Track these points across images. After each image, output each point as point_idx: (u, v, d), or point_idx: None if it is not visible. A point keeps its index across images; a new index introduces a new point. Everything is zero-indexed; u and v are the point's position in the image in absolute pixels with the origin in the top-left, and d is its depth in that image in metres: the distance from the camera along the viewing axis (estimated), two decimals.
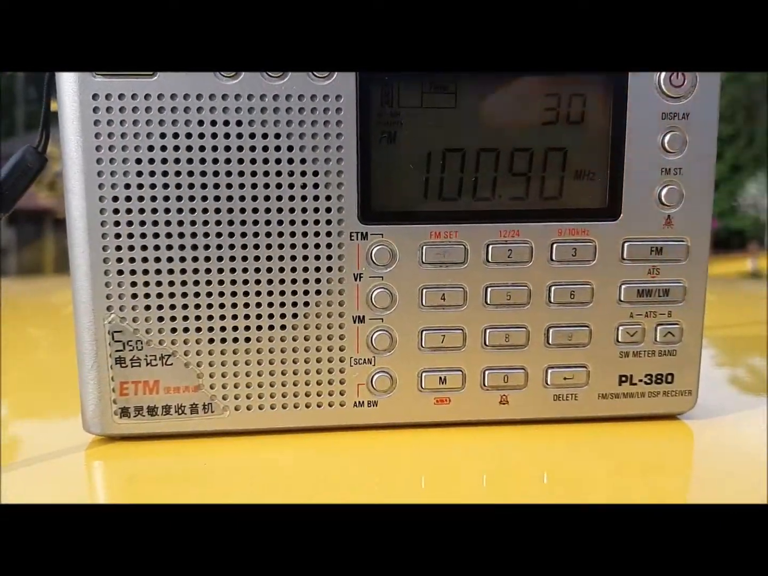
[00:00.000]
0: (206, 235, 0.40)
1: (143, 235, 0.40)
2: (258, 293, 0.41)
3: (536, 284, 0.43)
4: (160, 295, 0.41)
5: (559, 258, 0.43)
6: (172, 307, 0.41)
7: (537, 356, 0.44)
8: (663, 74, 0.41)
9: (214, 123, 0.39)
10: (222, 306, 0.41)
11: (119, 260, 0.40)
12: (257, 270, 0.41)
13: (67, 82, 0.39)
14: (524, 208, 0.42)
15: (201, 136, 0.39)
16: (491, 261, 0.42)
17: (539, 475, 0.39)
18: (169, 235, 0.40)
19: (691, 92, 0.42)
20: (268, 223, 0.41)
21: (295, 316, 0.42)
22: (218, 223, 0.40)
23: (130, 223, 0.40)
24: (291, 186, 0.40)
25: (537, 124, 0.42)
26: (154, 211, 0.40)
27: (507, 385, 0.44)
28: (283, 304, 0.42)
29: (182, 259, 0.41)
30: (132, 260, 0.40)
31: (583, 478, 0.39)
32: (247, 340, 0.42)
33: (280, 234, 0.41)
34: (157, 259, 0.40)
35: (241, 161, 0.40)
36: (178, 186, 0.40)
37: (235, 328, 0.42)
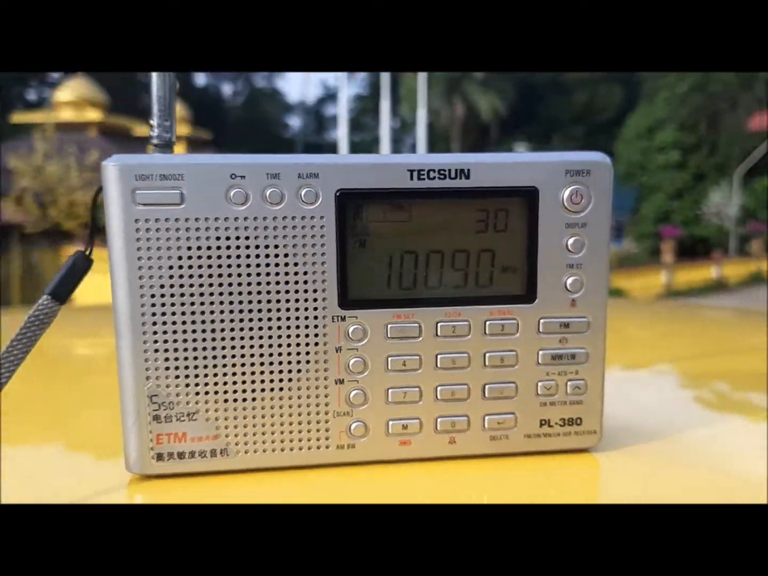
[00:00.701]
0: (222, 321, 0.53)
1: (174, 323, 0.53)
2: (262, 363, 0.54)
3: (474, 352, 0.56)
4: (187, 367, 0.53)
5: (491, 332, 0.56)
6: (197, 376, 0.54)
7: (476, 406, 0.57)
8: (566, 194, 0.55)
9: (228, 239, 0.52)
10: (234, 374, 0.54)
11: (155, 342, 0.53)
12: (261, 346, 0.54)
13: (115, 211, 0.51)
14: (464, 295, 0.56)
15: (218, 248, 0.52)
16: (440, 335, 0.56)
17: (479, 498, 0.52)
18: (194, 323, 0.53)
19: (587, 207, 0.55)
20: (269, 311, 0.54)
21: (290, 380, 0.55)
22: (231, 312, 0.53)
23: (163, 314, 0.52)
24: (287, 282, 0.53)
25: (472, 233, 0.55)
26: (182, 304, 0.52)
27: (454, 429, 0.57)
28: (281, 371, 0.54)
29: (204, 340, 0.53)
30: (165, 341, 0.53)
31: (512, 499, 0.52)
32: (254, 399, 0.54)
33: (279, 318, 0.54)
34: (185, 341, 0.53)
35: (248, 266, 0.53)
36: (201, 286, 0.52)
37: (244, 391, 0.54)
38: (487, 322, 0.56)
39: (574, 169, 0.55)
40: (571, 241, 0.55)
